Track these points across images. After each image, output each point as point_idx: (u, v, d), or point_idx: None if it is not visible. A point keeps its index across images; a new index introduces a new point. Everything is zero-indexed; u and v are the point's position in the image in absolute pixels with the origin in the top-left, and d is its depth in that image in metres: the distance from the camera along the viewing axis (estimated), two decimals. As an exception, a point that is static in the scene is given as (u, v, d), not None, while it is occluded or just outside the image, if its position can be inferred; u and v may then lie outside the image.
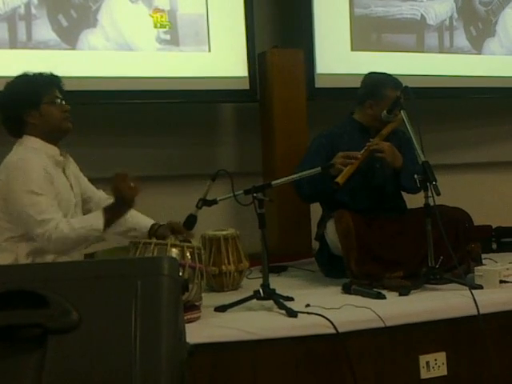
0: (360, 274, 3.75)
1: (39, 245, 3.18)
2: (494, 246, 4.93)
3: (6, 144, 3.40)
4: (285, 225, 4.72)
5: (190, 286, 3.01)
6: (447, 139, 5.47)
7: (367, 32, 5.05)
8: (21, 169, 3.17)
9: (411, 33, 5.17)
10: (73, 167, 3.49)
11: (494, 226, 5.03)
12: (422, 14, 5.17)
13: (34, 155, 3.22)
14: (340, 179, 3.73)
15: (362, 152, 3.87)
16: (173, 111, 4.77)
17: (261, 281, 3.38)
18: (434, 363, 3.24)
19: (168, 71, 4.57)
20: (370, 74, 4.25)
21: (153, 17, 4.50)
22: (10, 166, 3.21)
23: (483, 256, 4.05)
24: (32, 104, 3.26)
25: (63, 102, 3.33)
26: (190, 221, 3.49)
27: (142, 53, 4.50)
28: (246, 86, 4.77)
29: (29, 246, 3.22)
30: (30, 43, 4.21)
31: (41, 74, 3.33)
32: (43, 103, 3.27)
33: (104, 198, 3.59)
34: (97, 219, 3.16)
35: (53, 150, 3.32)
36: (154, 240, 3.13)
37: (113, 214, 3.19)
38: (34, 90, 3.28)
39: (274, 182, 3.62)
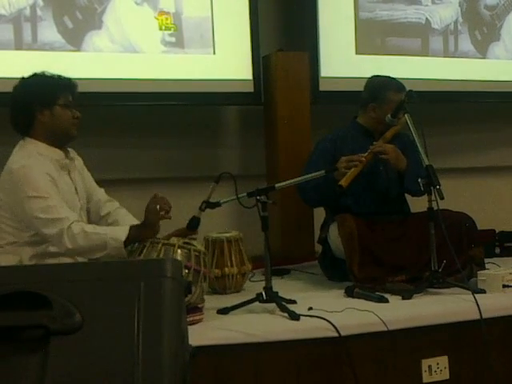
0: (363, 277, 3.75)
1: (54, 247, 3.17)
2: (498, 250, 4.90)
3: (6, 144, 3.40)
4: (288, 228, 4.72)
5: (193, 288, 3.01)
6: (451, 143, 5.46)
7: (372, 35, 5.05)
8: (25, 177, 3.16)
9: (416, 37, 5.16)
10: (78, 164, 3.48)
11: (497, 231, 5.00)
12: (426, 18, 5.17)
13: (35, 161, 3.21)
14: (344, 182, 3.71)
15: (365, 155, 3.85)
16: (177, 113, 4.77)
17: (263, 283, 3.36)
18: (436, 367, 3.21)
19: (172, 73, 4.57)
20: (373, 77, 4.25)
21: (158, 19, 4.49)
22: (13, 175, 3.19)
23: (486, 260, 4.05)
24: (46, 103, 3.28)
25: (74, 109, 3.35)
26: (194, 223, 3.47)
27: (147, 55, 4.50)
28: (251, 89, 4.77)
29: (32, 250, 3.23)
30: (35, 44, 4.21)
31: (59, 76, 3.35)
32: (57, 104, 3.29)
33: (104, 199, 3.58)
34: (120, 231, 3.16)
35: (57, 153, 3.33)
36: (162, 240, 3.12)
37: (137, 232, 3.18)
38: (51, 90, 3.30)
39: (277, 185, 3.62)
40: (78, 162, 3.51)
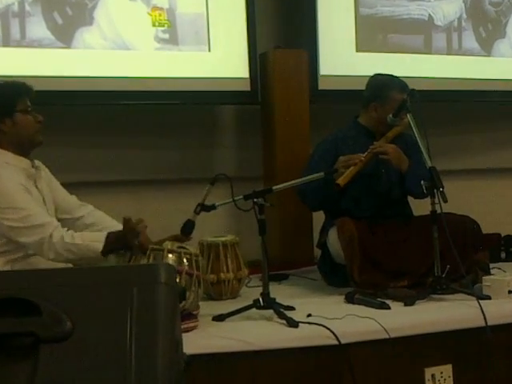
0: (363, 283, 3.74)
1: (36, 252, 3.19)
2: (503, 255, 4.92)
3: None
4: (286, 231, 4.71)
5: (187, 293, 3.01)
6: (455, 144, 5.48)
7: (373, 32, 5.05)
8: None
9: (418, 33, 5.18)
10: (45, 175, 3.47)
11: (502, 235, 5.01)
12: (429, 15, 5.19)
13: (5, 171, 3.22)
14: (341, 181, 3.70)
15: (365, 154, 3.84)
16: (171, 113, 4.73)
17: (260, 289, 3.35)
18: (440, 376, 3.19)
19: (166, 71, 4.55)
20: (376, 75, 4.23)
21: (151, 15, 4.47)
22: None
23: (491, 265, 4.04)
24: (6, 111, 3.27)
25: (35, 113, 3.33)
26: (188, 226, 3.46)
27: (140, 52, 4.48)
28: (247, 88, 4.75)
29: (5, 258, 3.23)
30: (23, 41, 4.19)
31: (13, 82, 3.34)
32: (17, 111, 3.27)
33: (76, 204, 3.58)
34: (97, 241, 3.16)
35: (24, 162, 3.33)
36: (150, 245, 3.13)
37: (116, 241, 3.19)
38: (7, 98, 3.29)
39: (275, 187, 3.62)
40: (45, 172, 3.50)
